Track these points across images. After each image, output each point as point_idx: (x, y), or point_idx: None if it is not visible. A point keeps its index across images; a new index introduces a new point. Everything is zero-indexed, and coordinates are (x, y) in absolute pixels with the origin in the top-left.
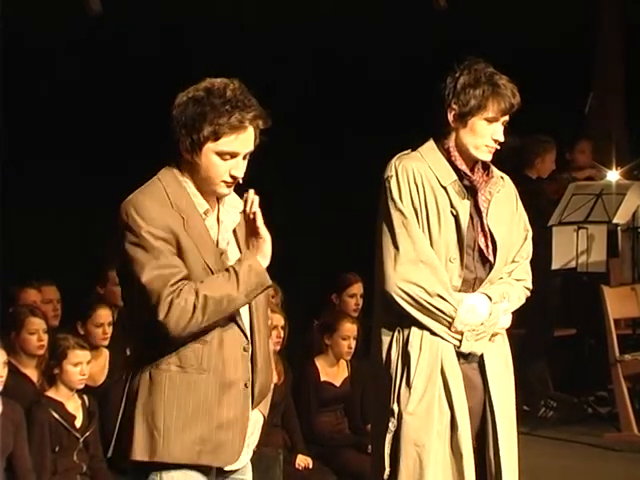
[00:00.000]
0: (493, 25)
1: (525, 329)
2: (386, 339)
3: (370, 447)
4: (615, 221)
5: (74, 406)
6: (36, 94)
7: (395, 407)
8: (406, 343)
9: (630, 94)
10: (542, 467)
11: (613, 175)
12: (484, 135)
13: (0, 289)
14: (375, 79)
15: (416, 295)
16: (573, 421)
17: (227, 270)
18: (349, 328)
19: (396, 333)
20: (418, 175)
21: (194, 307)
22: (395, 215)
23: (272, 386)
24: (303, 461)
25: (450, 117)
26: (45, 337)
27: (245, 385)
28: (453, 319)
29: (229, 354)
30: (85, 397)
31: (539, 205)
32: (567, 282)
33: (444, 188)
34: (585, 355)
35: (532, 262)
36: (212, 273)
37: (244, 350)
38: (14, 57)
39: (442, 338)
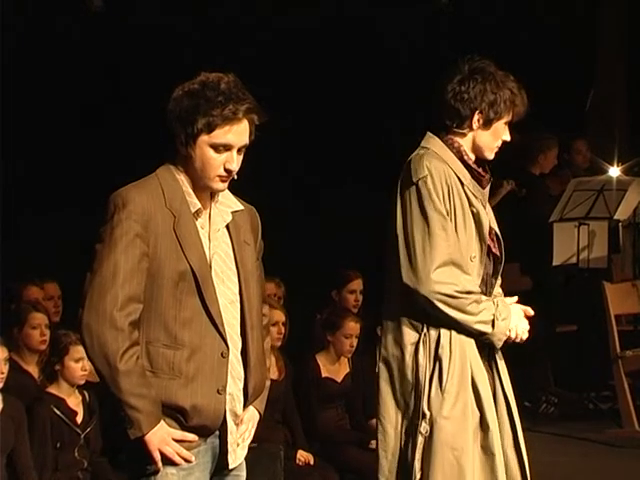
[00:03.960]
0: (495, 23)
1: None
2: (411, 341)
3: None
4: (616, 217)
5: (75, 402)
6: (37, 91)
7: (427, 411)
8: (437, 346)
9: (631, 90)
10: (543, 463)
11: (614, 171)
12: (500, 137)
13: (1, 286)
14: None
15: (451, 293)
16: (574, 417)
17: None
18: (352, 327)
19: (422, 335)
20: (448, 176)
21: (111, 358)
22: (434, 216)
23: (268, 383)
24: (304, 456)
25: (475, 120)
26: (47, 332)
27: (218, 391)
28: (479, 304)
29: (203, 360)
30: (86, 393)
31: (542, 202)
32: (568, 278)
33: (464, 187)
34: (586, 351)
35: (533, 259)
36: (194, 276)
37: (222, 356)
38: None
39: (477, 331)
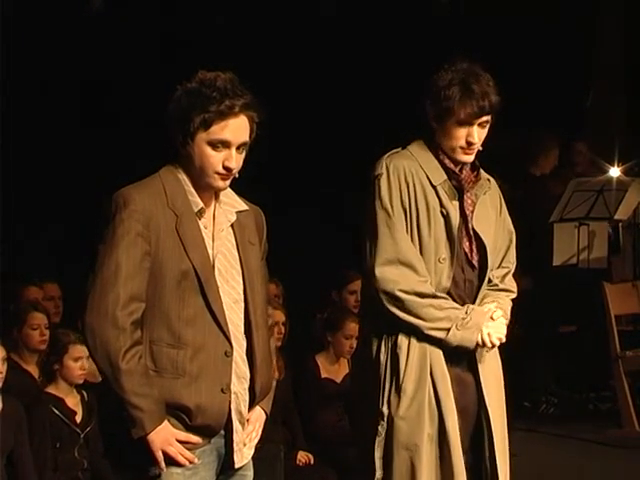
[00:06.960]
0: (493, 23)
1: (526, 326)
2: (375, 341)
3: (358, 449)
4: (616, 217)
5: (74, 402)
6: (36, 92)
7: (385, 410)
8: (395, 346)
9: (631, 90)
10: (543, 463)
11: (614, 172)
12: (458, 137)
13: (1, 286)
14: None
15: (394, 293)
16: (574, 417)
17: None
18: (353, 328)
19: (385, 335)
20: (409, 174)
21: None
22: (380, 214)
23: (274, 383)
24: (304, 457)
25: (430, 119)
26: (47, 332)
27: (222, 390)
28: (437, 310)
29: (207, 359)
30: (84, 392)
31: (542, 203)
32: (568, 278)
33: (434, 188)
34: (586, 351)
35: (533, 259)
36: (197, 275)
37: (226, 355)
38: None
39: (431, 337)
